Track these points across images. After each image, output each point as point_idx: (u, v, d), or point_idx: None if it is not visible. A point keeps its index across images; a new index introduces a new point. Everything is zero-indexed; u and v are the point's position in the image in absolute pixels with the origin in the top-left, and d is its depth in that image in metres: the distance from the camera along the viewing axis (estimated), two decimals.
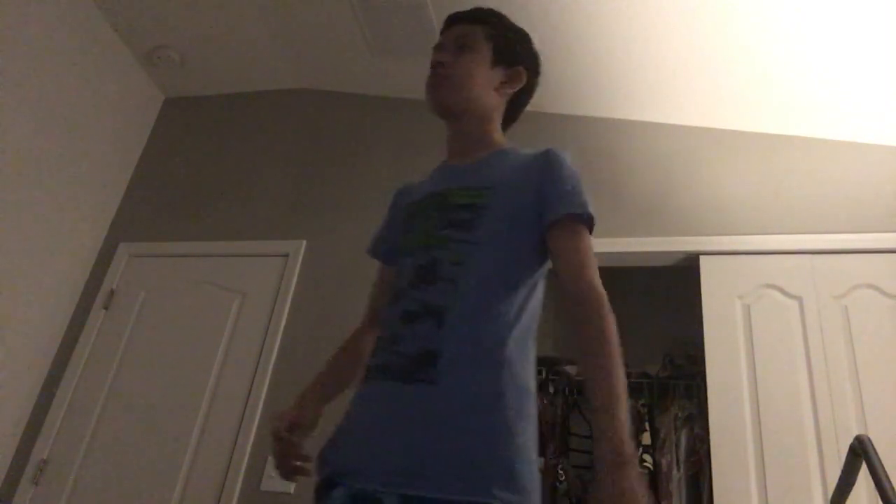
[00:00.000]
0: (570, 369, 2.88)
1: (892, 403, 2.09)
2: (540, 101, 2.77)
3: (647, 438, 2.58)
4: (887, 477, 1.38)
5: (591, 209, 1.10)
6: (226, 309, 2.81)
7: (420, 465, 0.91)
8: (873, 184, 2.45)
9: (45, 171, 2.88)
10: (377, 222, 1.42)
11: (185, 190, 3.25)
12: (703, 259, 2.47)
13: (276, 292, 2.79)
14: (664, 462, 2.48)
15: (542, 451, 2.66)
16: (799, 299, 2.32)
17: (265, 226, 3.02)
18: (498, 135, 1.29)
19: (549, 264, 1.14)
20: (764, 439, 2.13)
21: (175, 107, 3.59)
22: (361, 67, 3.11)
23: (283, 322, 2.70)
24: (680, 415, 2.59)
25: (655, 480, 2.45)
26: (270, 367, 2.61)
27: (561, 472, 2.60)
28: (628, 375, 3.01)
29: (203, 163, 3.33)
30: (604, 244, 2.52)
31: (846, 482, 1.54)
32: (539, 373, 2.92)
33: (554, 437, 2.74)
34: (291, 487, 2.29)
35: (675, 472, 2.44)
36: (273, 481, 2.34)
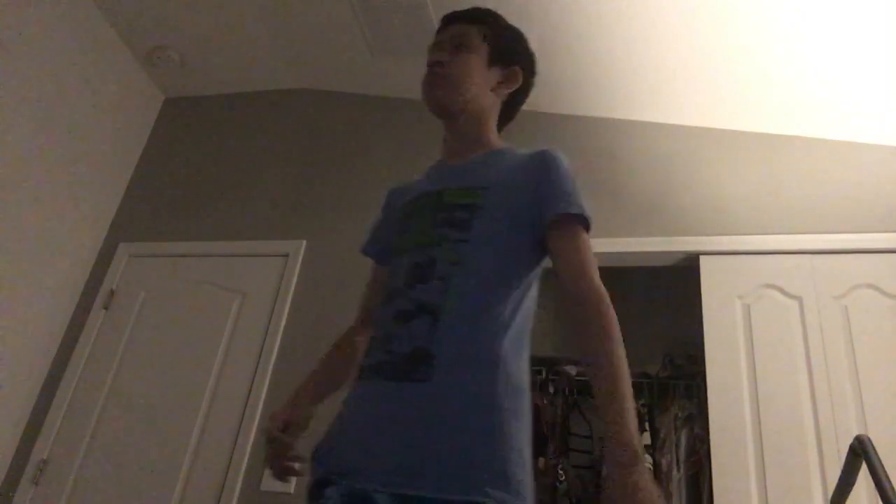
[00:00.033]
0: (570, 369, 2.88)
1: (892, 403, 2.09)
2: (540, 101, 2.79)
3: (647, 438, 2.58)
4: (887, 477, 1.38)
5: (588, 210, 1.10)
6: (226, 309, 2.81)
7: (415, 464, 0.91)
8: (873, 184, 2.45)
9: (45, 171, 2.88)
10: None
11: (185, 190, 3.25)
12: (703, 259, 2.47)
13: (276, 292, 2.79)
14: (664, 462, 2.48)
15: (542, 451, 2.66)
16: (799, 299, 2.32)
17: (265, 226, 3.02)
18: (494, 135, 1.29)
19: (543, 264, 1.14)
20: (764, 439, 2.13)
21: (175, 107, 3.59)
22: (361, 67, 3.11)
23: (283, 322, 2.70)
24: (680, 415, 2.59)
25: (655, 480, 2.45)
26: (270, 367, 2.61)
27: (561, 472, 2.60)
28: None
29: (203, 163, 3.33)
30: (604, 244, 2.52)
31: (846, 482, 1.54)
32: (539, 373, 2.92)
33: (554, 437, 2.74)
34: (291, 487, 2.29)
35: (675, 472, 2.44)
36: (273, 481, 2.34)
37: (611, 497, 0.83)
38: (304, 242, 2.88)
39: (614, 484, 0.84)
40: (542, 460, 2.63)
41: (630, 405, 0.90)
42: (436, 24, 1.36)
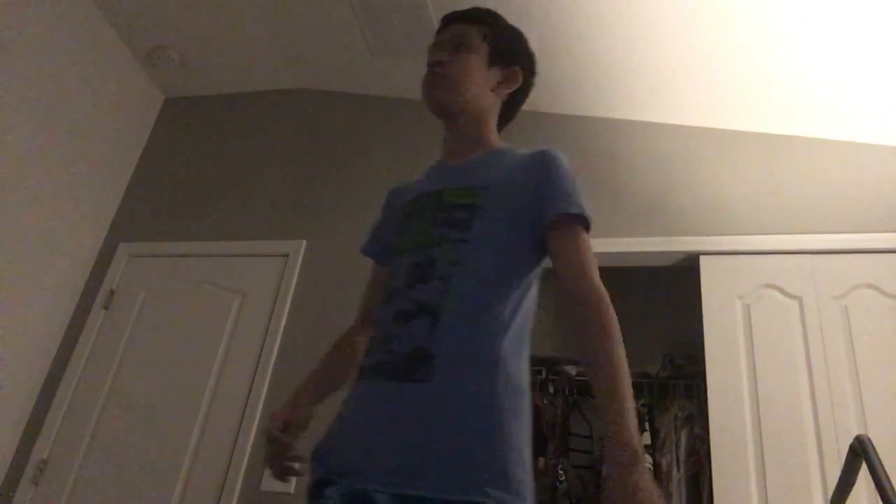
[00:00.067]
0: (570, 369, 2.88)
1: (892, 403, 2.09)
2: (540, 101, 2.79)
3: (647, 438, 2.58)
4: (887, 477, 1.38)
5: (588, 210, 1.11)
6: (226, 309, 2.81)
7: (415, 464, 0.91)
8: (873, 184, 2.45)
9: (45, 171, 2.88)
10: None
11: (185, 190, 3.25)
12: (703, 259, 2.47)
13: (276, 292, 2.79)
14: (664, 462, 2.48)
15: (542, 451, 2.66)
16: (799, 299, 2.32)
17: (265, 226, 3.02)
18: (494, 135, 1.29)
19: (543, 264, 1.14)
20: (764, 439, 2.13)
21: (175, 107, 3.58)
22: (361, 67, 3.11)
23: (283, 322, 2.70)
24: (680, 415, 2.59)
25: (655, 480, 2.45)
26: (270, 367, 2.61)
27: (561, 472, 2.60)
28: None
29: (203, 163, 3.33)
30: (604, 244, 2.52)
31: (846, 482, 1.54)
32: (539, 373, 2.92)
33: (554, 437, 2.74)
34: (291, 487, 2.29)
35: (675, 472, 2.44)
36: (273, 481, 2.34)
37: (611, 497, 0.83)
38: (304, 242, 2.88)
39: (614, 484, 0.84)
40: (542, 460, 2.63)
41: (630, 405, 0.90)
42: (436, 24, 1.36)
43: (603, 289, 1.02)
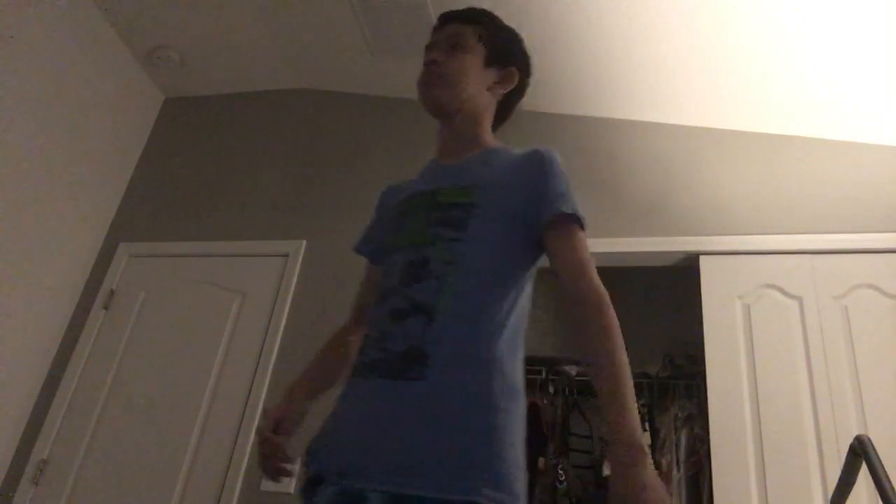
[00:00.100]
0: (570, 369, 2.88)
1: (892, 403, 2.09)
2: (540, 101, 2.79)
3: (647, 438, 2.58)
4: (887, 477, 1.38)
5: (581, 210, 1.11)
6: (226, 309, 2.81)
7: (410, 463, 0.91)
8: (873, 184, 2.45)
9: (45, 171, 2.88)
10: None
11: (185, 190, 3.25)
12: (703, 259, 2.47)
13: (276, 292, 2.79)
14: (664, 462, 2.48)
15: (542, 451, 2.66)
16: (799, 299, 2.32)
17: (265, 226, 3.02)
18: (488, 134, 1.29)
19: (538, 264, 1.14)
20: (764, 439, 2.13)
21: (175, 107, 3.58)
22: (361, 67, 3.10)
23: (283, 322, 2.70)
24: (680, 415, 2.59)
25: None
26: (270, 367, 2.61)
27: (561, 472, 2.60)
28: None
29: (203, 163, 3.33)
30: (604, 244, 2.52)
31: (846, 482, 1.54)
32: (539, 373, 2.92)
33: (554, 437, 2.74)
34: (291, 487, 2.29)
35: (675, 472, 2.44)
36: (273, 482, 2.34)
37: (617, 496, 0.83)
38: (304, 242, 2.88)
39: (620, 483, 0.84)
40: (542, 460, 2.63)
41: (633, 404, 0.90)
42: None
43: (603, 288, 1.02)
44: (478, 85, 1.26)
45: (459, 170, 1.21)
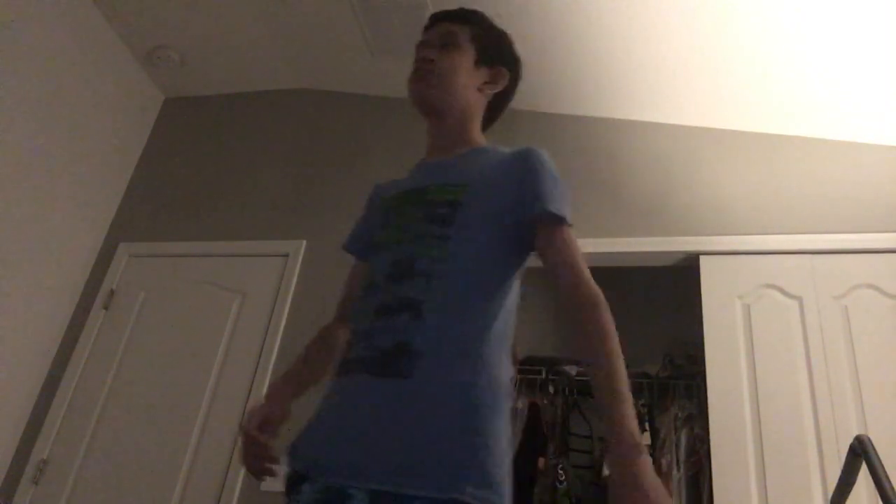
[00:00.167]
0: (570, 369, 2.88)
1: (892, 403, 2.09)
2: (540, 101, 2.79)
3: (647, 438, 2.58)
4: (887, 477, 1.38)
5: (568, 212, 1.11)
6: (226, 309, 2.81)
7: (394, 461, 0.91)
8: (873, 184, 2.45)
9: (45, 171, 2.88)
10: None
11: (185, 190, 3.25)
12: (703, 259, 2.47)
13: (276, 292, 2.79)
14: (664, 462, 2.48)
15: (542, 451, 2.66)
16: (799, 299, 2.32)
17: (265, 226, 3.02)
18: (477, 134, 1.30)
19: (527, 262, 1.14)
20: (764, 439, 2.13)
21: (175, 107, 3.58)
22: (361, 67, 3.11)
23: (283, 322, 2.70)
24: (680, 415, 2.59)
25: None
26: (270, 367, 2.61)
27: (561, 472, 2.60)
28: (628, 376, 3.01)
29: (203, 163, 3.33)
30: (604, 244, 2.52)
31: (846, 482, 1.54)
32: (539, 373, 2.92)
33: (554, 437, 2.74)
34: None
35: (675, 472, 2.44)
36: (273, 481, 2.34)
37: (616, 495, 0.83)
38: (304, 242, 2.88)
39: (619, 483, 0.84)
40: (542, 460, 2.63)
41: (630, 402, 0.90)
42: None
43: (596, 288, 1.02)
44: (468, 84, 1.26)
45: (449, 168, 1.21)
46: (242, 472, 2.42)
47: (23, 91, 2.79)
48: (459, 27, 1.29)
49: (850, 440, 1.54)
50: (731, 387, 2.23)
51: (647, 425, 2.61)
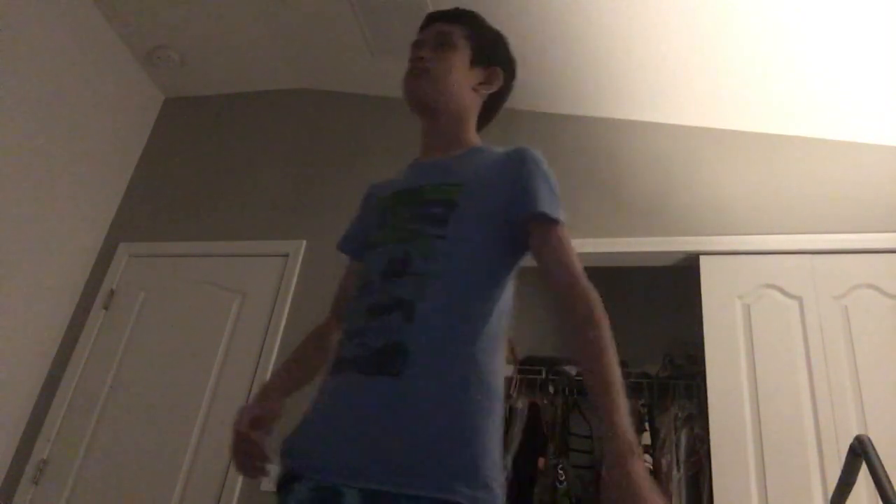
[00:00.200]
0: (570, 369, 2.88)
1: (892, 403, 2.09)
2: (540, 101, 2.78)
3: (647, 438, 2.58)
4: (887, 477, 1.38)
5: (562, 213, 1.11)
6: (226, 309, 2.81)
7: (385, 460, 0.91)
8: (873, 184, 2.45)
9: (45, 170, 2.88)
10: None
11: (185, 190, 3.25)
12: (703, 259, 2.47)
13: (276, 292, 2.79)
14: (664, 462, 2.48)
15: (542, 451, 2.66)
16: (799, 299, 2.32)
17: (265, 226, 3.02)
18: (472, 134, 1.30)
19: (521, 262, 1.14)
20: (764, 439, 2.13)
21: (175, 107, 3.59)
22: (361, 67, 3.10)
23: (283, 322, 2.70)
24: (680, 415, 2.59)
25: (655, 481, 2.45)
26: (270, 367, 2.61)
27: (561, 472, 2.60)
28: (628, 375, 3.02)
29: (203, 163, 3.33)
30: (604, 244, 2.52)
31: (846, 482, 1.54)
32: (539, 373, 2.93)
33: (554, 437, 2.74)
34: None
35: (675, 472, 2.44)
36: (273, 481, 2.34)
37: (608, 493, 0.83)
38: (304, 242, 2.88)
39: (611, 481, 0.83)
40: (541, 460, 2.63)
41: (624, 400, 0.90)
42: None
43: (591, 288, 1.02)
44: (463, 83, 1.27)
45: (444, 168, 1.22)
46: None
47: (23, 91, 2.79)
48: (455, 27, 1.29)
49: (850, 440, 1.54)
50: (731, 387, 2.23)
51: (647, 425, 2.61)
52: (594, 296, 1.01)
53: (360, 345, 1.02)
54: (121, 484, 2.52)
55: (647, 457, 2.51)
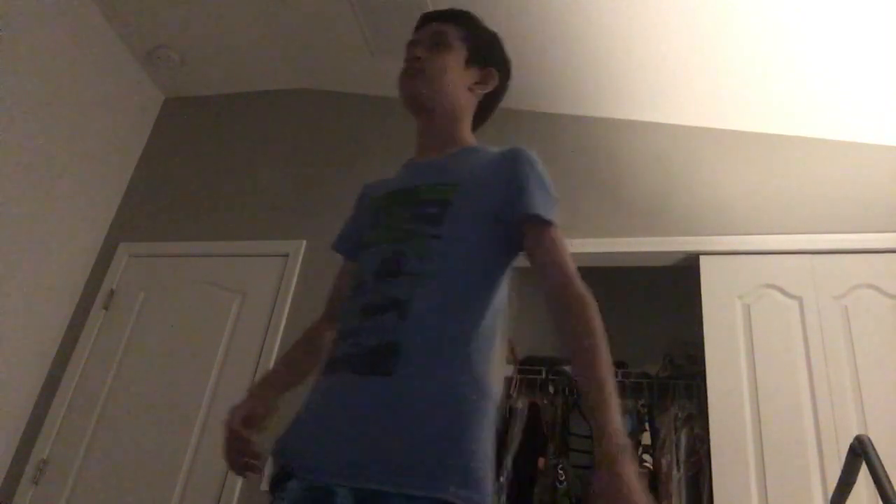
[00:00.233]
0: (570, 369, 2.88)
1: (892, 403, 2.09)
2: (540, 101, 2.78)
3: (647, 438, 2.58)
4: (887, 477, 1.38)
5: (555, 214, 1.11)
6: (226, 309, 2.81)
7: (378, 459, 0.91)
8: (873, 184, 2.45)
9: (45, 170, 2.88)
10: None
11: (185, 190, 3.25)
12: (703, 259, 2.47)
13: (276, 292, 2.79)
14: (664, 462, 2.48)
15: (542, 451, 2.66)
16: (799, 299, 2.32)
17: (265, 226, 3.02)
18: (467, 134, 1.30)
19: (515, 262, 1.15)
20: (764, 439, 2.13)
21: (175, 107, 3.59)
22: (361, 67, 3.11)
23: (283, 322, 2.70)
24: (680, 415, 2.59)
25: (655, 480, 2.45)
26: (270, 366, 2.61)
27: (561, 472, 2.60)
28: (628, 375, 3.02)
29: (203, 163, 3.33)
30: (604, 244, 2.52)
31: (846, 482, 1.54)
32: (539, 373, 2.93)
33: (554, 437, 2.74)
34: None
35: (675, 472, 2.44)
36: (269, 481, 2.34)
37: (598, 492, 0.83)
38: (304, 242, 2.88)
39: (601, 480, 0.83)
40: (541, 460, 2.63)
41: (615, 402, 0.90)
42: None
43: (584, 289, 1.02)
44: (458, 83, 1.27)
45: (439, 167, 1.22)
46: None
47: (23, 91, 2.79)
48: (450, 27, 1.30)
49: (850, 440, 1.54)
50: (731, 387, 2.23)
51: (647, 425, 2.61)
52: (588, 297, 1.01)
53: (354, 344, 1.03)
54: (121, 484, 2.52)
55: (648, 457, 2.51)
